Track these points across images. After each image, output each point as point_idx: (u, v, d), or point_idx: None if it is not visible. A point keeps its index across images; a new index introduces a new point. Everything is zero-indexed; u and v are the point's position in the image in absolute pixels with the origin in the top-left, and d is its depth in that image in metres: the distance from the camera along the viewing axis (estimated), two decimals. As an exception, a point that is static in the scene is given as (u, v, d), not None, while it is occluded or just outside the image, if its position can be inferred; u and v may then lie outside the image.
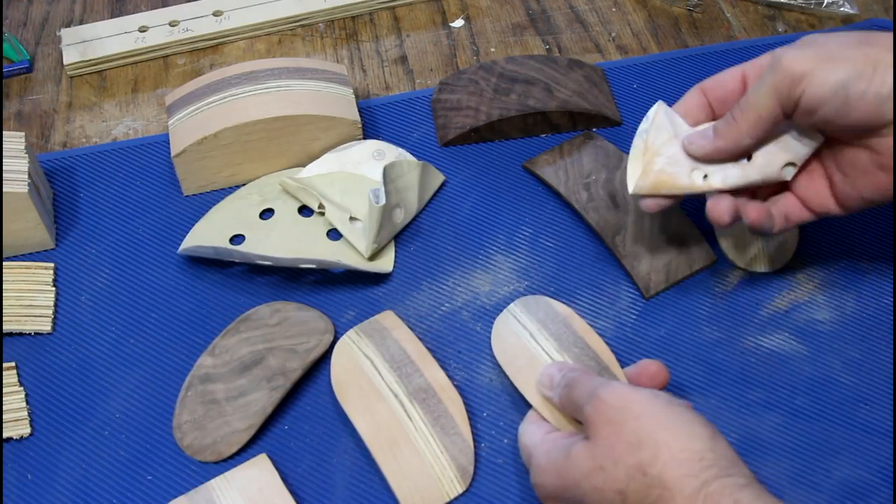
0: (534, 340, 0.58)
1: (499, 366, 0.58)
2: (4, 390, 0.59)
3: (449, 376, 0.58)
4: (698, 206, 0.67)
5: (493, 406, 0.58)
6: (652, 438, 0.45)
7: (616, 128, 0.73)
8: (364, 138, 0.71)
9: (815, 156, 0.57)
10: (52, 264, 0.66)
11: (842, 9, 0.82)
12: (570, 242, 0.67)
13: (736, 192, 0.57)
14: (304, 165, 0.70)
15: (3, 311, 0.62)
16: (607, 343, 0.58)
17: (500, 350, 0.59)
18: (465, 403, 0.57)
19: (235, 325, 0.61)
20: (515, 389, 0.57)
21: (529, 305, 0.60)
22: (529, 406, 0.55)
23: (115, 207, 0.69)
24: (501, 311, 0.62)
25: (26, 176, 0.63)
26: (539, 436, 0.52)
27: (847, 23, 0.82)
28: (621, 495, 0.45)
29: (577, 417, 0.51)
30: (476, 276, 0.65)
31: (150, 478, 0.56)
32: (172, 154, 0.67)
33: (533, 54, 0.77)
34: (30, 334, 0.62)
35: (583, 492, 0.46)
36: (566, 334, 0.58)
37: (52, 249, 0.67)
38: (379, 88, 0.78)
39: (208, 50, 0.81)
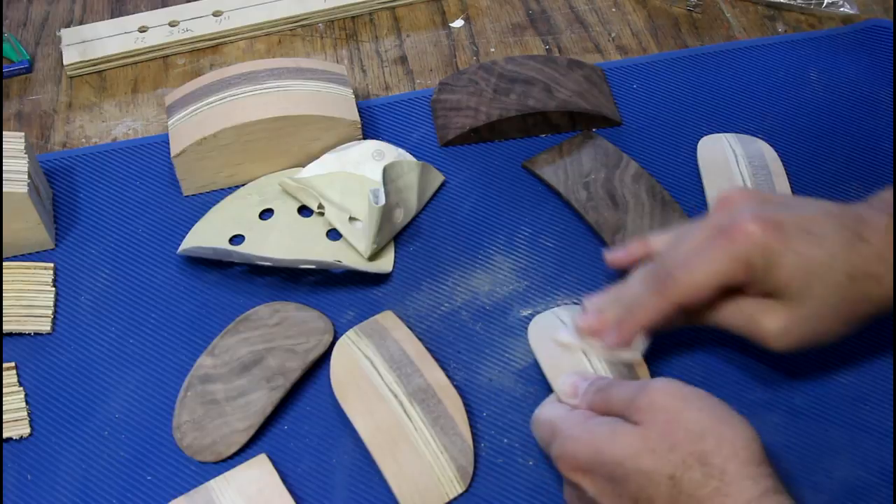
0: (586, 358, 0.56)
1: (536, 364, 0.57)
2: (4, 390, 0.59)
3: (448, 376, 0.58)
4: (698, 206, 0.68)
5: (493, 406, 0.58)
6: (715, 430, 0.45)
7: (616, 128, 0.73)
8: (364, 138, 0.71)
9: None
10: (51, 264, 0.66)
11: (842, 9, 0.82)
12: (569, 242, 0.67)
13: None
14: (303, 165, 0.70)
15: (3, 311, 0.62)
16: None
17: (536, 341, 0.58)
18: (465, 403, 0.57)
19: (235, 325, 0.61)
20: (516, 389, 0.57)
21: (561, 314, 0.59)
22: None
23: (115, 207, 0.69)
24: (501, 310, 0.62)
25: (26, 176, 0.63)
26: (564, 409, 0.52)
27: (847, 23, 0.82)
28: (672, 480, 0.44)
29: (612, 414, 0.49)
30: (476, 276, 0.65)
31: (149, 478, 0.56)
32: (172, 154, 0.67)
33: (533, 54, 0.77)
34: (30, 334, 0.62)
35: (625, 471, 0.45)
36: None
37: (52, 249, 0.67)
38: (379, 89, 0.78)
39: (208, 50, 0.81)
